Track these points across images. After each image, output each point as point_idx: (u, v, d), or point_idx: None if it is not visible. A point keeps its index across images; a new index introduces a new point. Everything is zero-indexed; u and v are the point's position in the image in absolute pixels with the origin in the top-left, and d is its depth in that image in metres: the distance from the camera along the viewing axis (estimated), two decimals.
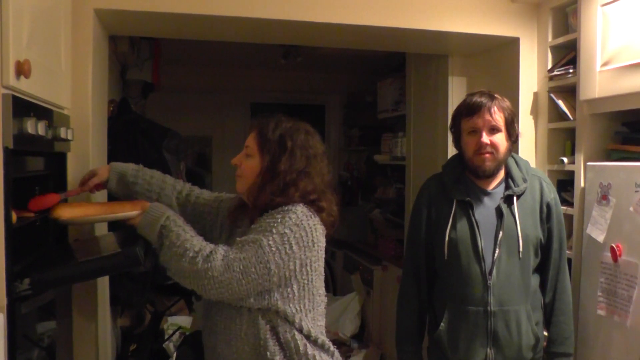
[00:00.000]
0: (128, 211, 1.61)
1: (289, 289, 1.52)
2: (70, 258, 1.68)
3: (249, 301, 1.49)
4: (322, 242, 1.59)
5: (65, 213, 1.61)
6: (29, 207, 1.53)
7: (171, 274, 1.51)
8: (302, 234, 1.51)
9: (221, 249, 1.47)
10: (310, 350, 1.54)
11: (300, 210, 1.53)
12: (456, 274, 1.90)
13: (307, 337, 1.55)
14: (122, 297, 2.56)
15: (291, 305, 1.53)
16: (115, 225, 1.96)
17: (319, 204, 1.59)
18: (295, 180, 1.56)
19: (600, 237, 2.08)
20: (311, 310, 1.58)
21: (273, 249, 1.46)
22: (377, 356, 3.97)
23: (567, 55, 2.41)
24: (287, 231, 1.48)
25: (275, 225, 1.49)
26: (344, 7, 2.30)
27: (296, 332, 1.53)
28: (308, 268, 1.55)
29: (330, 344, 1.62)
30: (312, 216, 1.55)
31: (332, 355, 1.61)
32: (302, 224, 1.51)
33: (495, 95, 1.91)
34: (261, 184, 1.57)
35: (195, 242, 1.49)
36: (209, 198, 1.83)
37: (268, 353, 1.51)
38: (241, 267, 1.44)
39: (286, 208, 1.52)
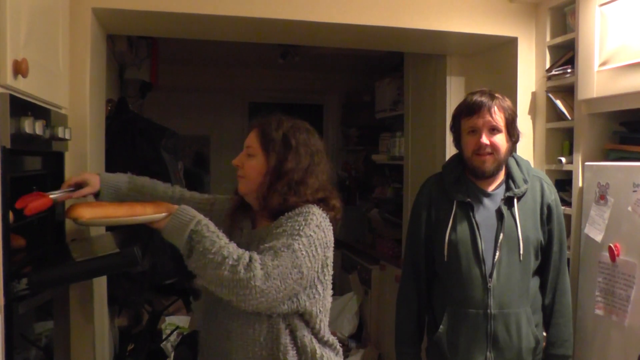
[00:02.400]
0: (151, 213, 1.51)
1: (314, 290, 1.52)
2: (68, 258, 1.67)
3: (282, 307, 1.47)
4: (333, 241, 1.59)
5: (86, 214, 1.50)
6: (17, 207, 1.43)
7: (205, 282, 1.43)
8: (322, 235, 1.51)
9: (256, 256, 1.41)
10: (326, 352, 1.55)
11: (317, 212, 1.52)
12: (456, 276, 1.90)
13: (321, 339, 1.56)
14: (119, 297, 2.55)
15: (316, 306, 1.53)
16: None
17: (330, 202, 1.59)
18: (303, 178, 1.55)
19: (598, 237, 2.08)
20: (327, 310, 1.60)
21: (303, 252, 1.45)
22: (375, 356, 3.97)
23: (565, 55, 2.41)
24: (312, 233, 1.47)
25: (301, 228, 1.47)
26: (342, 6, 2.30)
27: (313, 336, 1.54)
28: (327, 268, 1.56)
29: (336, 342, 1.62)
30: (326, 217, 1.56)
31: (338, 354, 1.62)
32: (321, 225, 1.51)
33: (496, 94, 1.90)
34: (269, 184, 1.55)
35: (231, 249, 1.42)
36: (200, 200, 1.80)
37: (288, 357, 1.49)
38: (279, 274, 1.40)
39: (305, 210, 1.51)
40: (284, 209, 1.53)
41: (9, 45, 1.29)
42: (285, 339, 1.50)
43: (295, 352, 1.51)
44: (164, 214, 1.49)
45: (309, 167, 1.57)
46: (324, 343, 1.57)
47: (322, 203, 1.57)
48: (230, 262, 1.38)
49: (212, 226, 1.46)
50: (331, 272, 1.60)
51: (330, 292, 1.63)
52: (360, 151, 5.27)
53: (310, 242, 1.46)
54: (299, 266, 1.43)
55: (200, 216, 1.47)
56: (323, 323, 1.57)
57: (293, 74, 5.22)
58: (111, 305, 2.52)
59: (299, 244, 1.44)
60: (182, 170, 3.15)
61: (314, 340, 1.54)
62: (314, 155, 1.59)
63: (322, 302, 1.55)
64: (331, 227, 1.57)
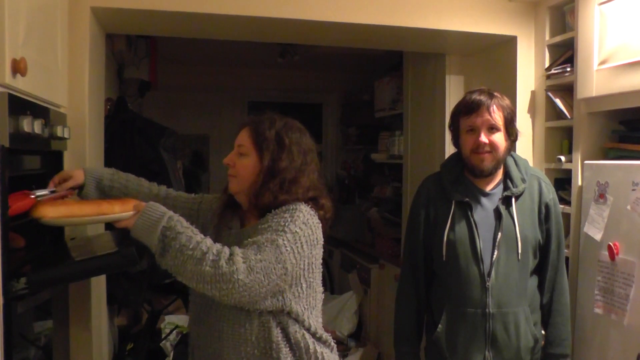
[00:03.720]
0: (118, 211, 1.46)
1: (298, 288, 1.51)
2: (67, 257, 1.67)
3: (265, 303, 1.45)
4: (322, 240, 1.58)
5: (49, 212, 1.44)
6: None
7: (184, 279, 1.40)
8: (309, 233, 1.50)
9: (238, 250, 1.40)
10: (319, 348, 1.55)
11: (305, 209, 1.52)
12: (454, 275, 1.90)
13: (314, 334, 1.55)
14: (119, 296, 2.56)
15: (300, 304, 1.52)
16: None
17: (320, 201, 1.58)
18: (296, 177, 1.55)
19: (597, 236, 2.08)
20: (314, 307, 1.58)
21: (288, 248, 1.44)
22: (375, 355, 3.97)
23: (565, 53, 2.41)
24: (297, 230, 1.47)
25: (286, 224, 1.46)
26: (342, 5, 2.30)
27: (305, 332, 1.53)
28: (313, 266, 1.54)
29: (330, 338, 1.62)
30: (314, 214, 1.55)
31: (332, 350, 1.62)
32: (308, 222, 1.51)
33: (495, 93, 1.90)
34: (262, 183, 1.54)
35: (209, 243, 1.40)
36: (187, 199, 1.80)
37: (281, 356, 1.49)
38: (262, 268, 1.39)
39: (292, 207, 1.51)
40: (273, 207, 1.53)
41: (8, 44, 1.28)
42: (277, 336, 1.49)
43: (288, 349, 1.51)
44: (131, 212, 1.45)
45: (302, 166, 1.57)
46: (318, 339, 1.56)
47: (312, 202, 1.57)
48: (211, 257, 1.36)
49: (184, 222, 1.44)
50: (319, 270, 1.59)
51: (321, 289, 1.62)
52: (359, 150, 5.27)
53: (295, 238, 1.46)
54: (283, 262, 1.43)
55: (170, 212, 1.45)
56: (312, 320, 1.55)
57: (292, 73, 5.22)
58: (110, 305, 2.52)
59: (283, 240, 1.44)
60: (181, 169, 3.16)
61: (307, 336, 1.53)
62: (306, 154, 1.59)
63: (306, 299, 1.54)
64: (320, 225, 1.56)
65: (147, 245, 1.43)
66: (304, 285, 1.52)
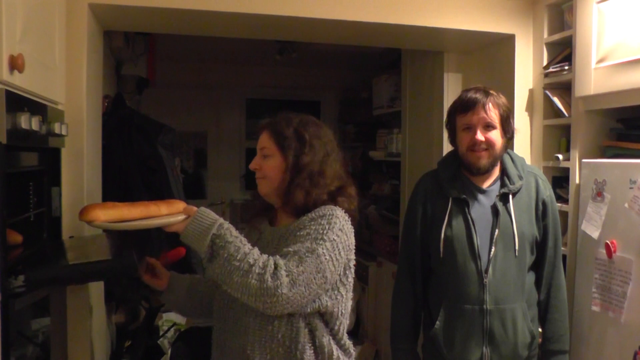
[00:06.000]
0: (165, 212, 1.46)
1: (336, 292, 1.52)
2: (64, 257, 1.66)
3: (306, 310, 1.47)
4: (354, 244, 1.58)
5: (101, 215, 1.41)
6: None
7: (229, 288, 1.41)
8: (344, 239, 1.51)
9: (281, 263, 1.40)
10: (341, 355, 1.55)
11: (340, 215, 1.52)
12: (452, 272, 1.90)
13: (339, 341, 1.56)
14: (116, 294, 2.55)
15: (338, 307, 1.53)
16: None
17: (347, 190, 1.60)
18: (321, 169, 1.57)
19: (595, 234, 2.09)
20: (348, 313, 1.59)
21: (327, 257, 1.45)
22: (372, 352, 3.98)
23: (563, 52, 2.42)
24: (335, 237, 1.47)
25: (325, 232, 1.47)
26: (340, 3, 2.30)
27: (331, 337, 1.53)
28: (349, 271, 1.56)
29: (351, 346, 1.62)
30: (348, 220, 1.56)
31: (351, 358, 1.62)
32: (344, 228, 1.51)
33: (491, 91, 1.90)
34: (290, 180, 1.56)
35: (256, 255, 1.41)
36: None
37: (305, 357, 1.49)
38: (304, 281, 1.40)
39: (329, 213, 1.51)
40: (307, 204, 1.54)
41: (5, 40, 1.28)
42: (304, 338, 1.49)
43: (312, 351, 1.51)
44: (181, 217, 1.46)
45: (324, 157, 1.59)
46: (341, 346, 1.57)
47: (341, 192, 1.58)
48: (257, 270, 1.37)
49: (234, 230, 1.45)
50: (353, 275, 1.60)
51: (351, 294, 1.62)
52: (357, 148, 5.26)
53: (333, 246, 1.47)
54: (323, 271, 1.43)
55: (221, 219, 1.46)
56: (343, 326, 1.56)
57: (290, 71, 5.21)
58: (108, 302, 2.52)
59: (323, 249, 1.44)
60: (179, 166, 3.15)
61: (332, 342, 1.53)
62: (327, 145, 1.62)
63: (345, 304, 1.55)
64: (352, 230, 1.57)
65: (195, 250, 1.44)
66: (342, 290, 1.54)
